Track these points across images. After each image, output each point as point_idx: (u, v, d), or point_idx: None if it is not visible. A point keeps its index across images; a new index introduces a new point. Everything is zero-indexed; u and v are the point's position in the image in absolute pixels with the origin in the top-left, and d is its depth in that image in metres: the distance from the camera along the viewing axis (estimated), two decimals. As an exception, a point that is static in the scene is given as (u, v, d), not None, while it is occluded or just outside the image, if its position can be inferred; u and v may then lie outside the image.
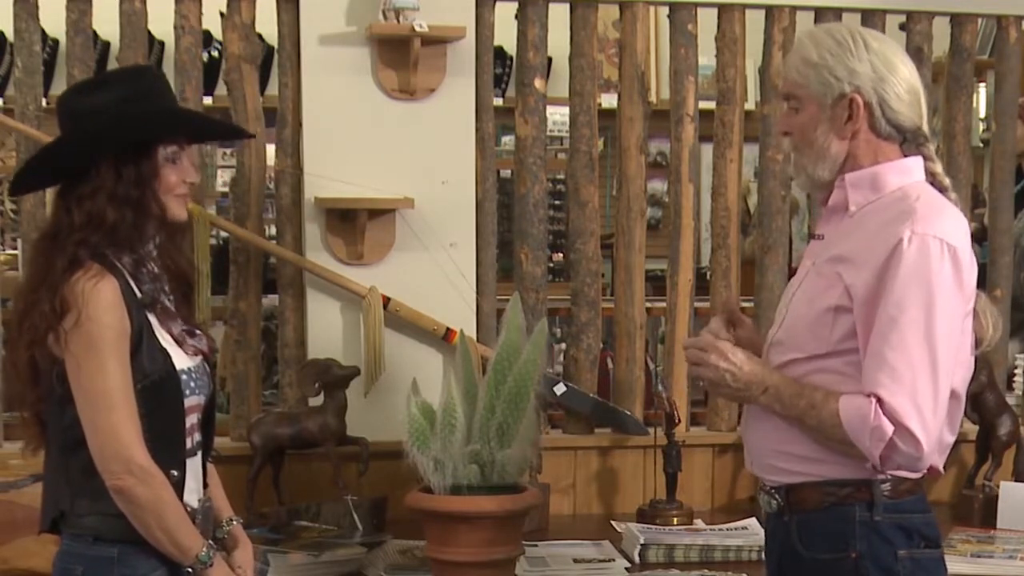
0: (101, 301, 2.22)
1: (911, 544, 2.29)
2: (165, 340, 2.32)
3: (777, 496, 2.37)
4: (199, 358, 2.39)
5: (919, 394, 2.18)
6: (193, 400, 2.35)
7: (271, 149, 3.56)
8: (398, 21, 3.37)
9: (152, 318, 2.31)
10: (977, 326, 2.34)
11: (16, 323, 2.30)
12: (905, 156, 2.35)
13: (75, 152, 2.29)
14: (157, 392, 2.28)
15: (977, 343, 2.36)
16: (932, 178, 2.37)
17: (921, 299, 2.18)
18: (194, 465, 2.37)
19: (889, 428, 2.18)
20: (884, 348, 2.19)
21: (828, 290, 2.29)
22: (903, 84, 2.31)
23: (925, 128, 2.37)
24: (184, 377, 2.32)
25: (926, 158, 2.36)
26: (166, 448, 2.28)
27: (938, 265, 2.20)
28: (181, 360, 2.33)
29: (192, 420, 2.36)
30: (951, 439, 2.34)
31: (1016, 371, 3.93)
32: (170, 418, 2.30)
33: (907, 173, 2.34)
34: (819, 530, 2.32)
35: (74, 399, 2.23)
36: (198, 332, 2.41)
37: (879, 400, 2.18)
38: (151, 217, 2.32)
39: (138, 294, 2.29)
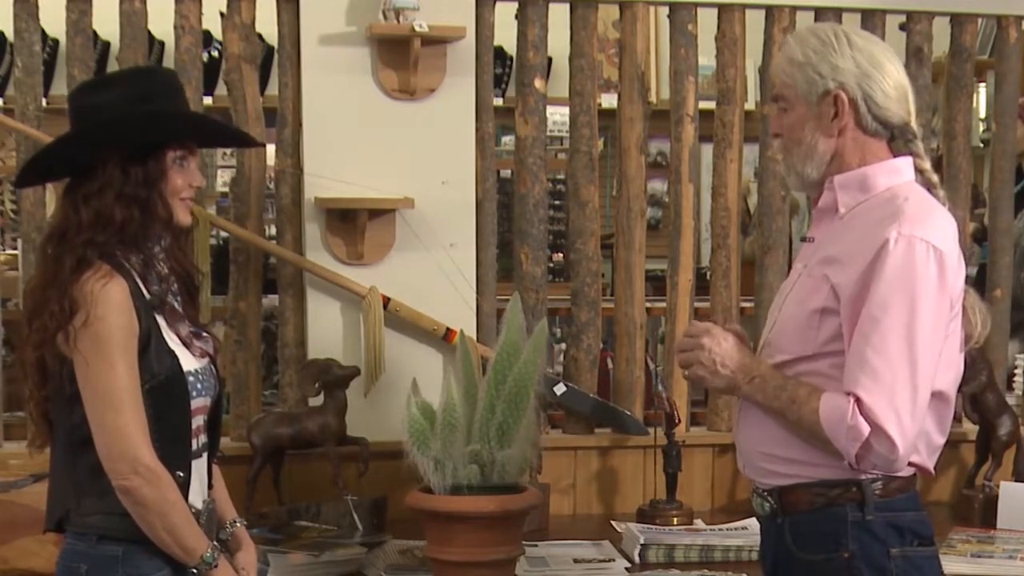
0: (110, 302, 2.22)
1: (903, 542, 2.29)
2: (173, 341, 2.32)
3: (769, 498, 2.37)
4: (206, 360, 2.39)
5: (897, 396, 2.18)
6: (200, 401, 2.35)
7: (271, 149, 3.56)
8: (398, 21, 3.37)
9: (160, 319, 2.31)
10: (965, 323, 2.34)
11: (26, 322, 2.30)
12: (894, 155, 2.35)
13: (81, 148, 2.29)
14: (164, 393, 2.28)
15: (966, 339, 2.36)
16: (920, 175, 2.37)
17: (905, 301, 2.18)
18: (200, 466, 2.37)
19: (865, 428, 2.18)
20: (865, 348, 2.20)
21: (816, 292, 2.29)
22: (889, 80, 2.31)
23: (914, 125, 2.37)
24: (191, 379, 2.33)
25: (914, 155, 2.37)
26: (172, 449, 2.28)
27: (923, 268, 2.19)
28: (188, 362, 2.33)
29: (198, 421, 2.36)
30: (941, 440, 2.35)
31: (1016, 371, 3.93)
32: (177, 419, 2.30)
33: (896, 173, 2.34)
34: (811, 531, 2.32)
35: (82, 398, 2.24)
36: (205, 334, 2.42)
37: (857, 400, 2.19)
38: (157, 218, 2.32)
39: (147, 295, 2.30)
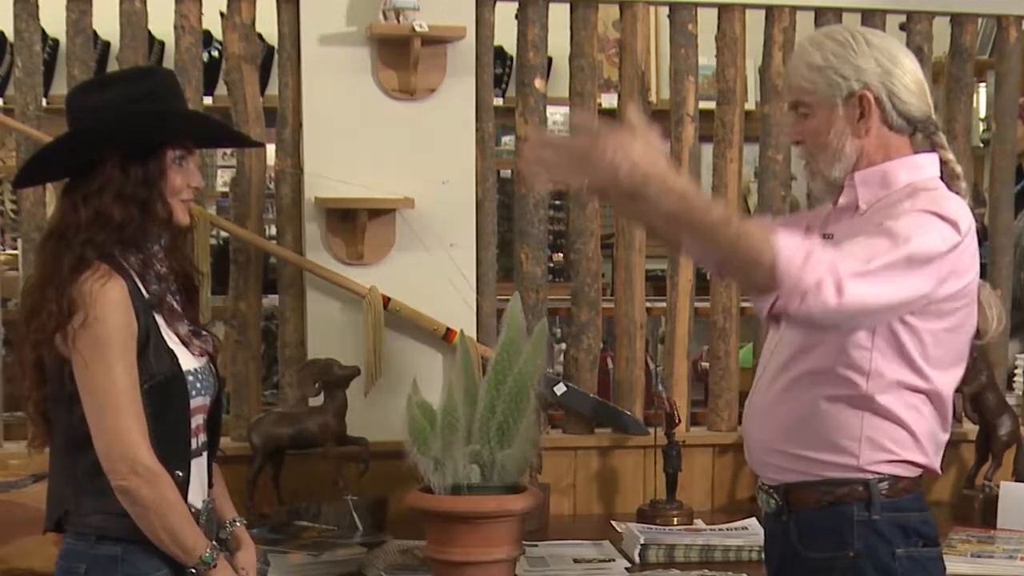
0: (109, 302, 2.22)
1: (909, 543, 2.29)
2: (172, 341, 2.32)
3: (775, 496, 2.37)
4: (205, 359, 2.39)
5: (869, 268, 2.05)
6: (199, 401, 2.36)
7: (271, 149, 3.56)
8: (398, 21, 3.37)
9: (159, 319, 2.31)
10: (980, 317, 2.33)
11: (24, 322, 2.30)
12: (915, 152, 2.35)
13: (79, 148, 2.29)
14: (163, 393, 2.28)
15: (979, 335, 2.35)
16: (944, 166, 2.36)
17: (903, 235, 2.11)
18: (199, 466, 2.38)
19: (822, 268, 2.00)
20: (852, 243, 2.10)
21: None
22: (909, 75, 2.31)
23: (934, 117, 2.37)
24: (190, 378, 2.33)
25: (938, 146, 2.36)
26: (171, 448, 2.28)
27: (931, 226, 2.14)
28: (188, 361, 2.33)
29: (198, 421, 2.36)
30: (944, 437, 2.35)
31: (1016, 371, 3.93)
32: (176, 419, 2.30)
33: (917, 169, 2.34)
34: (817, 529, 2.32)
35: (81, 399, 2.23)
36: (204, 333, 2.42)
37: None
38: (156, 218, 2.32)
39: (145, 295, 2.30)
